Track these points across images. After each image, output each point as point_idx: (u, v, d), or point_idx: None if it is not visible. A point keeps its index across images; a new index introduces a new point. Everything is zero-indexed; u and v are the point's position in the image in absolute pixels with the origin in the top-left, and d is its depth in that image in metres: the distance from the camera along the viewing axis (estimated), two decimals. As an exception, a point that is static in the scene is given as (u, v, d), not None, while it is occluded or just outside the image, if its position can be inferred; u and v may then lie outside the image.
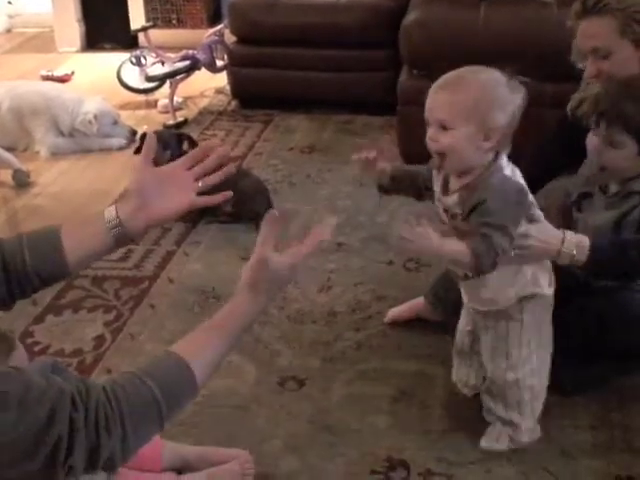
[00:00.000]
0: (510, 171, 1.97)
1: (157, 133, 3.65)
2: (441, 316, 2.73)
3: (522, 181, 2.00)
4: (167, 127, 4.55)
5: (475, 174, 1.95)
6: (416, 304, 2.80)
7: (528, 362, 2.18)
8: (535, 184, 2.80)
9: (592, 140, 2.29)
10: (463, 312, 2.35)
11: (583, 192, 2.44)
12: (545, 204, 2.69)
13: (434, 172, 2.08)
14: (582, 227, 2.38)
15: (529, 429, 2.26)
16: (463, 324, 2.36)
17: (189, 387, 1.42)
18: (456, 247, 1.90)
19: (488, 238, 1.88)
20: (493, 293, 2.10)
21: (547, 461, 2.22)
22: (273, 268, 1.50)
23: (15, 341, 1.70)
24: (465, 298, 2.24)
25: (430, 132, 1.93)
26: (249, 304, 1.51)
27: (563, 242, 2.12)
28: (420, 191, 2.20)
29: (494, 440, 2.27)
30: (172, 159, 3.50)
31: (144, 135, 3.66)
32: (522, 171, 2.77)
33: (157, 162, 3.75)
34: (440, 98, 1.91)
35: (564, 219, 2.49)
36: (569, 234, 2.14)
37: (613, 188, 2.34)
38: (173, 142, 3.56)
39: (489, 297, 2.11)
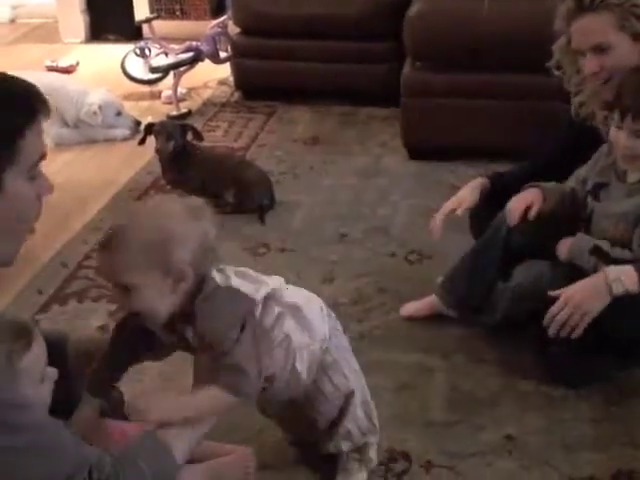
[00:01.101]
0: (222, 279, 1.75)
1: (161, 124, 3.66)
2: (453, 308, 2.75)
3: (235, 282, 1.77)
4: (171, 118, 4.55)
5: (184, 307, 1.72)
6: (431, 301, 2.80)
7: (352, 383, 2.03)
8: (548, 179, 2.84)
9: (617, 135, 2.31)
10: None
11: (599, 182, 2.45)
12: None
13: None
14: (602, 215, 2.42)
15: (376, 442, 2.13)
16: None
17: (173, 471, 1.59)
18: (205, 397, 1.67)
19: (231, 365, 1.67)
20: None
21: (548, 454, 2.23)
22: None
23: (33, 334, 1.66)
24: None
25: (116, 298, 1.77)
26: None
27: (607, 277, 2.24)
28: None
29: (350, 475, 2.12)
30: (175, 150, 3.57)
31: (149, 126, 3.68)
32: (536, 169, 2.79)
33: (160, 153, 3.80)
34: (108, 260, 1.65)
35: (575, 207, 2.53)
36: (608, 268, 2.27)
37: (633, 177, 2.37)
38: (177, 133, 3.57)
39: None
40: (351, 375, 2.02)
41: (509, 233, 2.58)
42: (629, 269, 2.27)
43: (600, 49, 2.43)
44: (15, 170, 1.42)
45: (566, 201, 2.54)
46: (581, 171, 2.52)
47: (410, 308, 2.83)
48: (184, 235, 1.66)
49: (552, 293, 2.31)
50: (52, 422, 1.45)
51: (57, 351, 1.76)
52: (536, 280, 2.48)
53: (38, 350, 1.64)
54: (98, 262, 1.72)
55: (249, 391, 1.71)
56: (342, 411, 2.01)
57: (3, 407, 1.31)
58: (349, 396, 2.01)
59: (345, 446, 2.07)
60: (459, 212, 2.69)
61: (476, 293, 2.67)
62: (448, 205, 2.71)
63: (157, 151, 3.61)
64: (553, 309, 2.30)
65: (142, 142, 3.72)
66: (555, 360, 2.46)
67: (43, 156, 1.49)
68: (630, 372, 2.51)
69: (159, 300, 1.67)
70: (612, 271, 2.27)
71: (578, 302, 2.26)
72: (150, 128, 3.66)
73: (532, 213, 2.51)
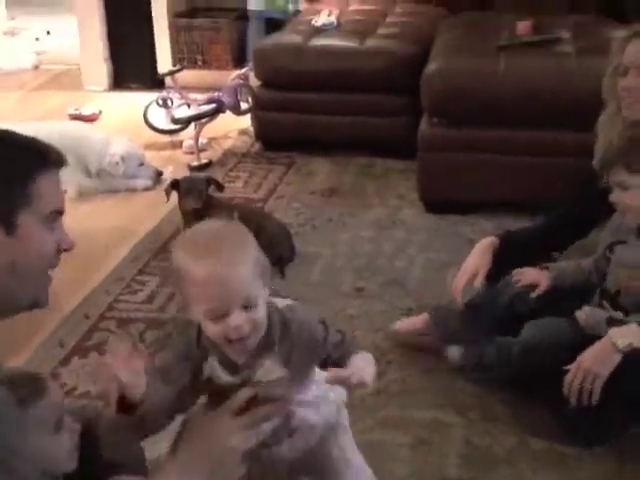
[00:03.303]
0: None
1: (189, 182, 3.66)
2: (437, 334, 2.88)
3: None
4: (192, 168, 4.64)
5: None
6: (423, 318, 2.95)
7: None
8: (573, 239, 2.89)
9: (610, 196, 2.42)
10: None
11: (617, 240, 2.51)
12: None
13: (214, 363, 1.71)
14: (617, 264, 2.48)
15: None
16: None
17: None
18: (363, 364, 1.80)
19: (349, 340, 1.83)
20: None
21: (563, 513, 2.26)
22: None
23: (46, 384, 1.67)
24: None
25: (239, 318, 1.59)
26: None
27: (611, 337, 2.33)
28: None
29: None
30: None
31: (174, 182, 3.68)
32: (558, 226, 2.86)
33: (186, 208, 3.72)
34: (231, 278, 1.57)
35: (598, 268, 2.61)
36: (611, 329, 2.35)
37: None
38: (204, 188, 3.62)
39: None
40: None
41: (513, 301, 2.71)
42: (632, 325, 2.36)
43: None
44: (29, 213, 1.50)
45: (567, 279, 2.67)
46: (602, 234, 2.60)
47: (403, 324, 3.01)
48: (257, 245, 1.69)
49: (567, 368, 2.39)
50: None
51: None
52: (545, 336, 2.55)
53: (52, 399, 1.65)
54: (218, 279, 1.57)
55: None
56: None
57: (7, 453, 1.37)
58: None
59: None
60: (477, 284, 2.77)
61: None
62: (466, 272, 2.79)
63: (181, 207, 3.66)
64: (568, 378, 2.37)
65: (168, 198, 3.73)
66: (569, 418, 2.49)
67: (60, 210, 1.56)
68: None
69: (265, 309, 1.67)
70: (616, 330, 2.35)
71: (588, 367, 2.34)
72: (176, 184, 3.67)
73: (534, 293, 2.67)
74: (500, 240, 2.82)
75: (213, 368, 1.71)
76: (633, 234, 2.46)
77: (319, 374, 1.87)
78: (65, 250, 1.60)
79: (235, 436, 1.59)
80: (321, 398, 1.91)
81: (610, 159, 2.40)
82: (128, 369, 1.55)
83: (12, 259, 1.48)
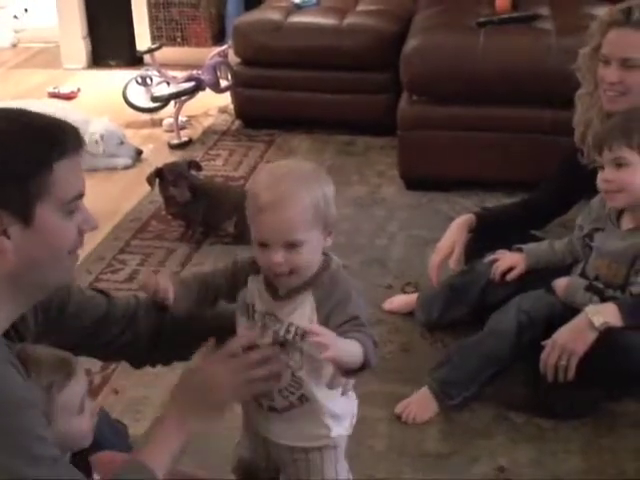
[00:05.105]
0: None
1: (174, 172, 3.62)
2: (422, 319, 2.95)
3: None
4: (172, 146, 4.65)
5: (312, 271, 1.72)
6: (413, 299, 3.01)
7: None
8: (552, 217, 2.91)
9: (601, 175, 2.39)
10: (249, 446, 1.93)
11: (595, 227, 2.51)
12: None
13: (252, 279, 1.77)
14: (596, 254, 2.48)
15: None
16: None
17: None
18: (350, 345, 1.61)
19: (366, 331, 1.67)
20: (320, 427, 1.81)
21: (539, 486, 2.28)
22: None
23: (75, 368, 1.66)
24: (269, 432, 1.83)
25: (277, 256, 1.63)
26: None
27: (587, 314, 2.33)
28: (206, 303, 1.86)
29: None
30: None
31: (159, 170, 3.65)
32: (538, 203, 2.87)
33: (173, 198, 3.68)
34: (280, 217, 1.62)
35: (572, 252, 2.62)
36: (588, 307, 2.36)
37: (626, 224, 2.44)
38: (187, 172, 3.63)
39: (313, 432, 1.82)
40: None
41: (484, 291, 2.75)
42: (609, 304, 2.37)
43: (628, 64, 2.51)
44: (47, 203, 1.45)
45: (541, 261, 2.68)
46: (578, 220, 2.60)
47: (393, 302, 3.06)
48: (331, 191, 1.72)
49: (543, 343, 2.41)
50: (63, 457, 1.50)
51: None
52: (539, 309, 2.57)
53: (78, 382, 1.65)
54: (267, 221, 1.64)
55: (375, 362, 1.70)
56: None
57: (32, 439, 1.37)
58: None
59: None
60: (452, 263, 2.79)
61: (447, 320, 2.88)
62: (441, 251, 2.81)
63: (163, 193, 3.65)
64: (544, 354, 2.39)
65: (152, 187, 3.70)
66: (546, 392, 2.52)
67: (81, 194, 1.51)
68: (619, 403, 2.58)
69: (316, 256, 1.71)
70: (592, 308, 2.37)
71: (563, 343, 2.36)
72: (160, 173, 3.62)
73: (511, 275, 2.67)
74: (477, 217, 2.84)
75: (254, 290, 1.77)
76: (611, 221, 2.46)
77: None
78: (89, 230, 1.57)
79: (225, 382, 1.66)
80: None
81: (604, 137, 2.37)
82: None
83: (32, 253, 1.45)
